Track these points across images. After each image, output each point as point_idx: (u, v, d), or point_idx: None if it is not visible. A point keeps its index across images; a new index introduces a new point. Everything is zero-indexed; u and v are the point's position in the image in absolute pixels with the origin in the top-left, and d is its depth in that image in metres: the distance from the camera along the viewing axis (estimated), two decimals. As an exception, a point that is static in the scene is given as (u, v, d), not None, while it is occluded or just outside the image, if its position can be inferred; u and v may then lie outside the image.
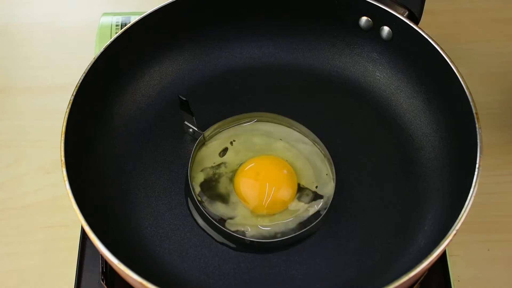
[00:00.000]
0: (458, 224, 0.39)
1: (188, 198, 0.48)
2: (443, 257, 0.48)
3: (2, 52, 0.67)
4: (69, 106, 0.44)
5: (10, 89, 0.63)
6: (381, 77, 0.54)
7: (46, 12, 0.71)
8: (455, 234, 0.39)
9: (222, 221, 0.46)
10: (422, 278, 0.44)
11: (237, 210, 0.47)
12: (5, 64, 0.65)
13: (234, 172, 0.49)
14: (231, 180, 0.49)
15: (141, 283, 0.37)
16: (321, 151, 0.50)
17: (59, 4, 0.71)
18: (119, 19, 0.60)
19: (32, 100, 0.62)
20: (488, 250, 0.51)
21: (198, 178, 0.49)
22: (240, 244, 0.46)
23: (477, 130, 0.43)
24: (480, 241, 0.52)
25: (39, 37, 0.68)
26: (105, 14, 0.62)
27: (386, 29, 0.51)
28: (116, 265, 0.38)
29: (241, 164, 0.49)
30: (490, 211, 0.53)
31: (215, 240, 0.46)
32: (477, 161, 0.42)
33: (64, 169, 0.41)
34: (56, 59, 0.66)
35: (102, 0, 0.72)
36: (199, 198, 0.47)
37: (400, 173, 0.49)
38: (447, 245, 0.39)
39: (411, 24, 0.49)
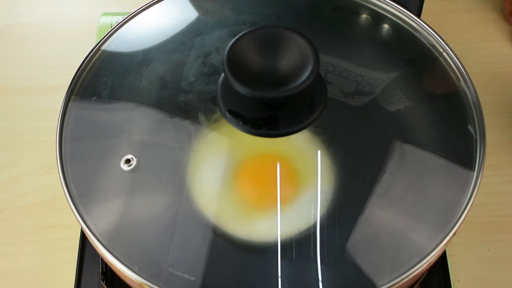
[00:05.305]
0: (457, 224, 0.39)
1: (188, 198, 0.48)
2: (443, 257, 0.48)
3: (2, 52, 0.67)
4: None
5: (10, 89, 0.63)
6: (380, 76, 0.54)
7: (46, 12, 0.71)
8: (454, 234, 0.39)
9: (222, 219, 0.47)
10: (422, 278, 0.44)
11: (237, 207, 0.47)
12: (5, 64, 0.65)
13: (233, 170, 0.49)
14: (231, 178, 0.49)
15: (140, 284, 0.37)
16: (320, 150, 0.50)
17: (59, 4, 0.71)
18: (119, 19, 0.60)
19: (32, 100, 0.62)
20: (488, 250, 0.51)
21: (197, 177, 0.49)
22: (240, 244, 0.45)
23: (477, 130, 0.43)
24: (480, 241, 0.52)
25: (39, 37, 0.68)
26: (105, 14, 0.62)
27: (385, 28, 0.51)
28: (115, 266, 0.38)
29: (240, 163, 0.49)
30: (490, 211, 0.53)
31: (215, 240, 0.46)
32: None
33: (60, 170, 0.41)
34: (56, 59, 0.65)
35: (102, 0, 0.72)
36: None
37: (399, 173, 0.49)
38: (447, 245, 0.39)
39: (411, 23, 0.49)
